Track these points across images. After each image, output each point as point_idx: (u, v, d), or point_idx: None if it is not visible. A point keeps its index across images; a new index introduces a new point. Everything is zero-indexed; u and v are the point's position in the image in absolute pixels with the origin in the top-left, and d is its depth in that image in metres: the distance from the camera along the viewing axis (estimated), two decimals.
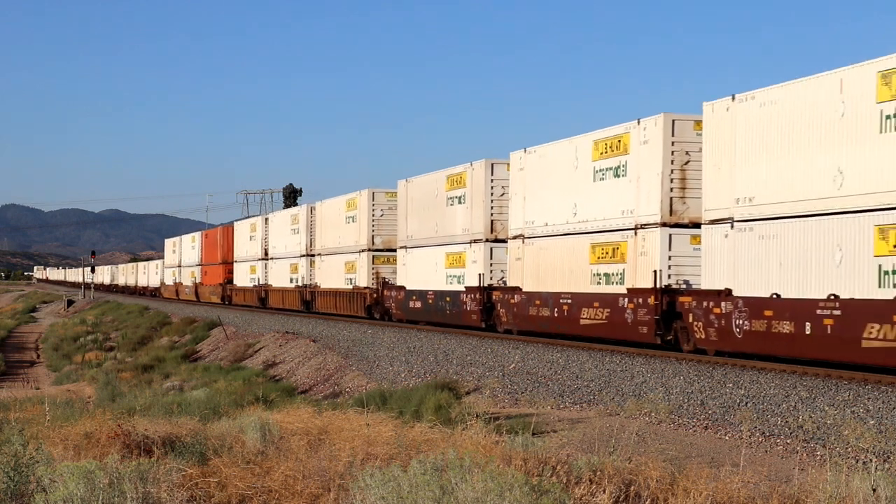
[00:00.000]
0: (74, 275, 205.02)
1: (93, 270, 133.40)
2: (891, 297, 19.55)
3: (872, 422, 16.11)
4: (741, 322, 23.43)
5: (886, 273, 19.88)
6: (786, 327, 22.05)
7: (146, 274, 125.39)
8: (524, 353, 27.98)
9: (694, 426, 17.34)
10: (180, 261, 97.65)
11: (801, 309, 21.68)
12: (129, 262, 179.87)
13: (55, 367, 52.61)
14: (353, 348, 33.83)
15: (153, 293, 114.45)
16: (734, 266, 24.05)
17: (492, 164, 37.09)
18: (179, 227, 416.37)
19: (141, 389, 29.04)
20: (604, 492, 10.11)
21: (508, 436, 14.22)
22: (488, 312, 35.73)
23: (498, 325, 35.20)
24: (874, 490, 9.97)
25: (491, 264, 36.44)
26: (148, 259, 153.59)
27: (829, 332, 20.87)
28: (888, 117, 20.04)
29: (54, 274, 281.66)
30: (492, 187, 36.91)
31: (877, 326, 19.71)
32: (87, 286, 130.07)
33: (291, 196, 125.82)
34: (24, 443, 10.55)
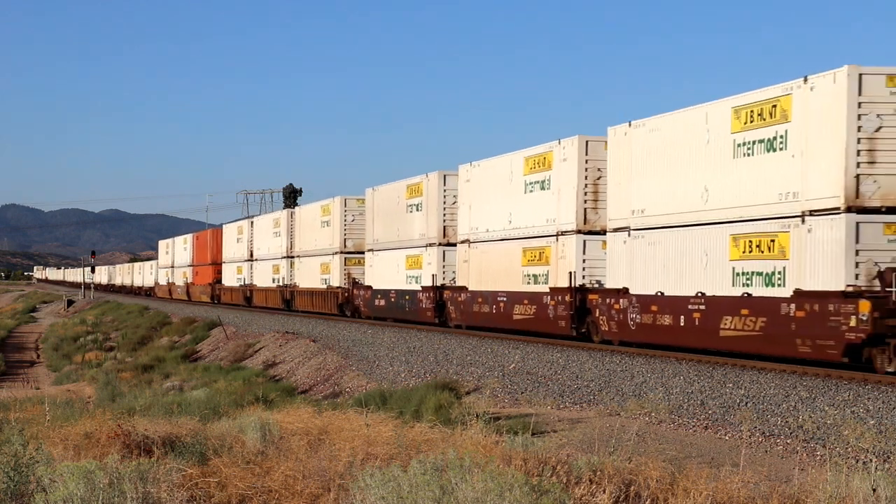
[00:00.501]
0: (74, 275, 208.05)
1: (93, 270, 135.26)
2: (739, 294, 23.69)
3: (872, 422, 16.19)
4: (635, 316, 27.55)
5: (738, 274, 24.01)
6: (667, 320, 26.19)
7: (141, 274, 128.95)
8: (524, 353, 28.53)
9: (694, 426, 17.34)
10: (173, 261, 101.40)
11: (677, 304, 25.81)
12: (129, 262, 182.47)
13: (55, 367, 52.78)
14: (353, 348, 34.04)
15: (148, 293, 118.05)
16: (630, 268, 28.15)
17: (444, 175, 41.17)
18: (179, 227, 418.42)
19: (141, 389, 29.19)
20: (604, 492, 10.09)
21: (508, 436, 14.14)
22: (441, 309, 39.82)
23: (448, 321, 39.28)
24: (874, 490, 9.94)
25: (444, 266, 40.52)
26: (147, 259, 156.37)
27: (696, 323, 25.01)
28: (739, 145, 24.16)
29: (54, 274, 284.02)
30: (444, 196, 41.00)
31: (730, 318, 23.85)
32: (87, 286, 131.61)
33: (291, 196, 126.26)
34: (24, 443, 10.52)
